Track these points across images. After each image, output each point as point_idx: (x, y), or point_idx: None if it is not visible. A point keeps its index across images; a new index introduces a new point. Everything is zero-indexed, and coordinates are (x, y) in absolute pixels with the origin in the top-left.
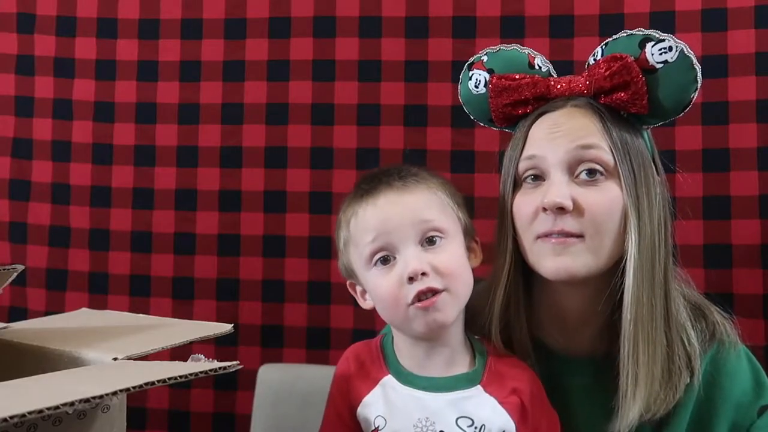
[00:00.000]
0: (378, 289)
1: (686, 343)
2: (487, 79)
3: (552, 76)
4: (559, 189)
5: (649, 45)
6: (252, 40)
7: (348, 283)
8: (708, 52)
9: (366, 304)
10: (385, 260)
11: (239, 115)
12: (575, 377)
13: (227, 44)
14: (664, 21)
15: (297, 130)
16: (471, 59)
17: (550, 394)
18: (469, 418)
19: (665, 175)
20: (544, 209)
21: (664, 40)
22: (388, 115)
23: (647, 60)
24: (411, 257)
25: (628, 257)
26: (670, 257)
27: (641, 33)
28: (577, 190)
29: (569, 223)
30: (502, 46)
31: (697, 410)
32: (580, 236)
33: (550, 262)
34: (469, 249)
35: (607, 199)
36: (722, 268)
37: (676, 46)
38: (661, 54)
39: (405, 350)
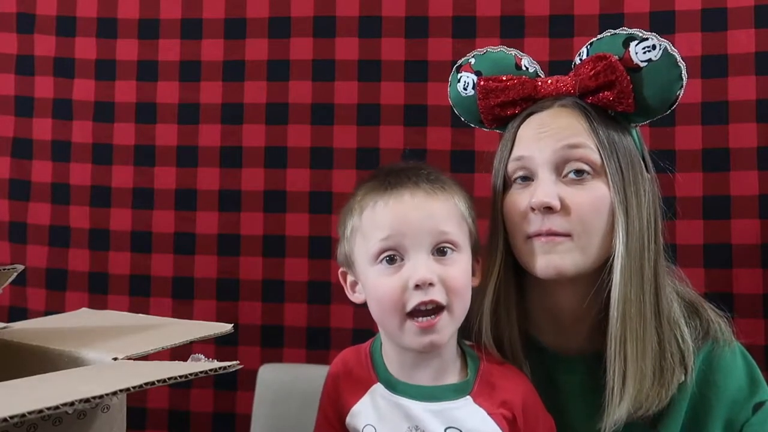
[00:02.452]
0: (378, 288)
1: (680, 341)
2: (475, 81)
3: (539, 76)
4: (546, 189)
5: (632, 44)
6: (252, 40)
7: (340, 271)
8: (708, 52)
9: (355, 297)
10: (392, 260)
11: (239, 115)
12: (569, 375)
13: (227, 44)
14: (664, 21)
15: (297, 130)
16: (459, 62)
17: (543, 392)
18: (457, 428)
19: (655, 173)
20: (533, 209)
21: (647, 39)
22: (388, 115)
23: (631, 59)
24: (421, 264)
25: (616, 255)
26: (660, 255)
27: (625, 32)
28: (564, 190)
29: (557, 223)
30: (489, 48)
31: (692, 408)
32: (567, 235)
33: (540, 260)
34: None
35: (594, 198)
36: (722, 267)
37: (660, 45)
38: (644, 53)
39: (393, 357)
